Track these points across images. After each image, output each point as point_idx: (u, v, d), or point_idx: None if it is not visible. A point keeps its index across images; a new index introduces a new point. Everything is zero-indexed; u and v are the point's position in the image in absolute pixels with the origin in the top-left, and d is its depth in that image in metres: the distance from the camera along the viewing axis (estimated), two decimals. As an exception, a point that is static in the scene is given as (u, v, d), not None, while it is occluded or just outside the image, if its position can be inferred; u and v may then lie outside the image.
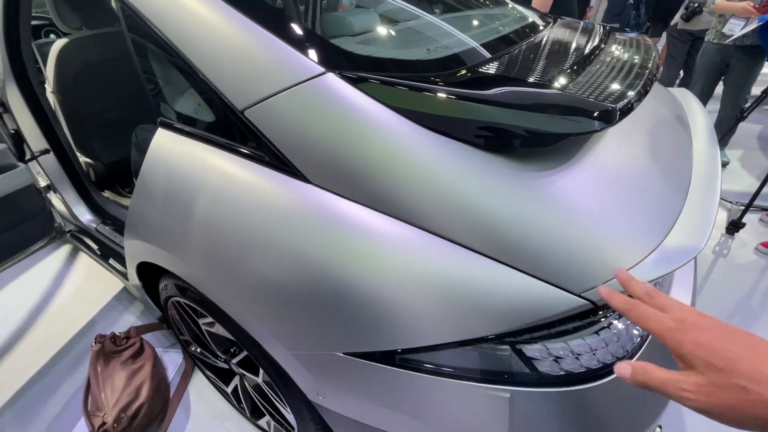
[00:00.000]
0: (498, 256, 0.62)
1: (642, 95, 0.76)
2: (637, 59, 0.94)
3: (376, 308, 0.65)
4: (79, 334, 1.66)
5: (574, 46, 1.02)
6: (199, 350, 1.29)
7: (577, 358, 0.63)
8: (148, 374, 1.33)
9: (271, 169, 0.75)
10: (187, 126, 0.87)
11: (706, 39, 2.72)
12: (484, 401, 0.64)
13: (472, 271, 0.62)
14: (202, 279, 0.85)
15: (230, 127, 0.79)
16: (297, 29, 0.79)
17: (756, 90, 2.41)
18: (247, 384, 1.17)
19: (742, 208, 2.10)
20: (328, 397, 0.80)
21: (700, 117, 1.07)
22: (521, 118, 0.66)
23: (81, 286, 1.91)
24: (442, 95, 0.71)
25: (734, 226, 2.10)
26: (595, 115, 0.66)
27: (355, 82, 0.72)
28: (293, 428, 1.05)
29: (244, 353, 1.01)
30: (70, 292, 1.88)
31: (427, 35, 1.07)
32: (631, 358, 0.66)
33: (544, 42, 1.04)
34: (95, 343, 1.33)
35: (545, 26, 1.21)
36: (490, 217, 0.63)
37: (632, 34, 1.21)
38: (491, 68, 0.84)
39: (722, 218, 2.28)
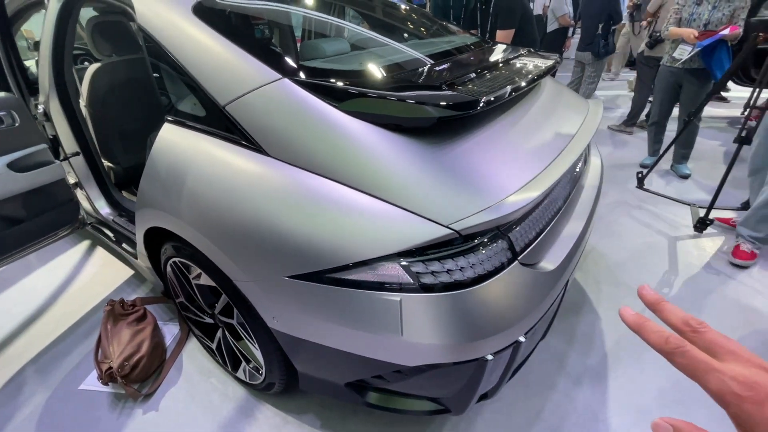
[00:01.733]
0: (393, 201, 0.88)
1: (510, 94, 1.04)
2: (524, 71, 1.23)
3: (307, 240, 0.91)
4: (93, 309, 1.93)
5: (480, 61, 1.32)
6: (191, 312, 1.54)
7: (448, 273, 0.87)
8: (148, 335, 1.58)
9: (242, 147, 1.04)
10: (186, 119, 1.18)
11: (661, 63, 3.00)
12: (384, 304, 0.88)
13: (375, 211, 0.88)
14: (190, 230, 1.13)
15: (215, 118, 1.09)
16: (265, 47, 1.10)
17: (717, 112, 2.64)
18: (228, 335, 1.41)
19: (705, 208, 2.33)
20: (280, 319, 1.05)
21: (593, 121, 1.34)
22: (407, 109, 0.95)
23: (97, 272, 2.20)
24: (357, 93, 1.00)
25: (702, 224, 2.30)
26: (464, 104, 0.94)
27: (302, 84, 1.01)
28: (262, 368, 1.28)
29: (223, 299, 1.26)
30: (88, 276, 2.17)
31: (365, 54, 1.39)
32: (493, 275, 0.89)
33: (455, 58, 1.35)
34: (107, 305, 1.59)
35: (467, 48, 1.53)
36: (389, 173, 0.90)
37: (541, 54, 1.51)
38: (402, 76, 1.14)
39: (688, 221, 2.49)
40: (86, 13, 1.97)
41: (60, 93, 1.78)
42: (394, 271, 0.88)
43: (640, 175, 2.88)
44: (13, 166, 1.56)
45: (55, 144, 1.83)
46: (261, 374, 1.32)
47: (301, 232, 0.92)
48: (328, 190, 0.92)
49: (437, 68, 1.23)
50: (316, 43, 1.66)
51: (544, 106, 1.29)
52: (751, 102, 2.43)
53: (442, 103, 0.94)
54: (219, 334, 1.46)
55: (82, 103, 1.99)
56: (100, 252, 2.36)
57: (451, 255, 0.88)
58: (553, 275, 1.02)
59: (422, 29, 1.86)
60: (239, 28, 1.19)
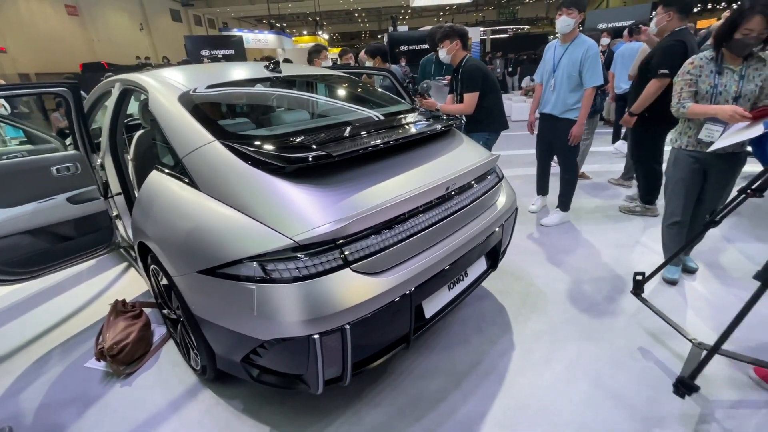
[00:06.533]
0: (262, 221, 1.30)
1: (365, 149, 1.44)
2: (404, 132, 1.65)
3: (207, 244, 1.35)
4: (112, 312, 2.49)
5: (375, 125, 1.76)
6: (165, 311, 2.01)
7: (289, 271, 1.24)
8: (137, 329, 2.06)
9: (186, 185, 1.55)
10: (163, 167, 1.73)
11: (675, 146, 2.36)
12: (246, 291, 1.27)
13: (248, 227, 1.30)
14: (149, 240, 1.63)
15: (177, 166, 1.62)
16: (209, 119, 1.64)
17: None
18: (181, 328, 1.84)
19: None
20: (196, 305, 1.46)
21: (469, 168, 1.68)
22: (281, 159, 1.39)
23: (126, 285, 2.82)
24: (254, 151, 1.46)
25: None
26: (315, 157, 1.36)
27: (225, 145, 1.51)
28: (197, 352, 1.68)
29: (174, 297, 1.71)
30: (120, 287, 2.79)
31: (283, 124, 1.91)
32: (323, 275, 1.24)
33: (355, 124, 1.79)
34: (113, 303, 2.13)
35: (375, 117, 1.98)
36: (265, 202, 1.33)
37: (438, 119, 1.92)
38: (292, 139, 1.60)
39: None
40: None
41: (112, 151, 2.52)
42: (252, 268, 1.27)
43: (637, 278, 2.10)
44: (71, 199, 2.25)
45: (105, 186, 2.54)
46: (198, 359, 1.71)
47: (203, 237, 1.37)
48: (224, 212, 1.37)
49: (327, 131, 1.69)
50: (270, 116, 2.25)
51: (425, 156, 1.68)
52: None
53: (293, 156, 1.38)
54: (179, 327, 1.89)
55: (129, 157, 2.73)
56: (131, 271, 3.01)
57: (293, 258, 1.25)
58: (383, 284, 1.33)
59: (355, 101, 2.35)
60: (200, 109, 1.76)
